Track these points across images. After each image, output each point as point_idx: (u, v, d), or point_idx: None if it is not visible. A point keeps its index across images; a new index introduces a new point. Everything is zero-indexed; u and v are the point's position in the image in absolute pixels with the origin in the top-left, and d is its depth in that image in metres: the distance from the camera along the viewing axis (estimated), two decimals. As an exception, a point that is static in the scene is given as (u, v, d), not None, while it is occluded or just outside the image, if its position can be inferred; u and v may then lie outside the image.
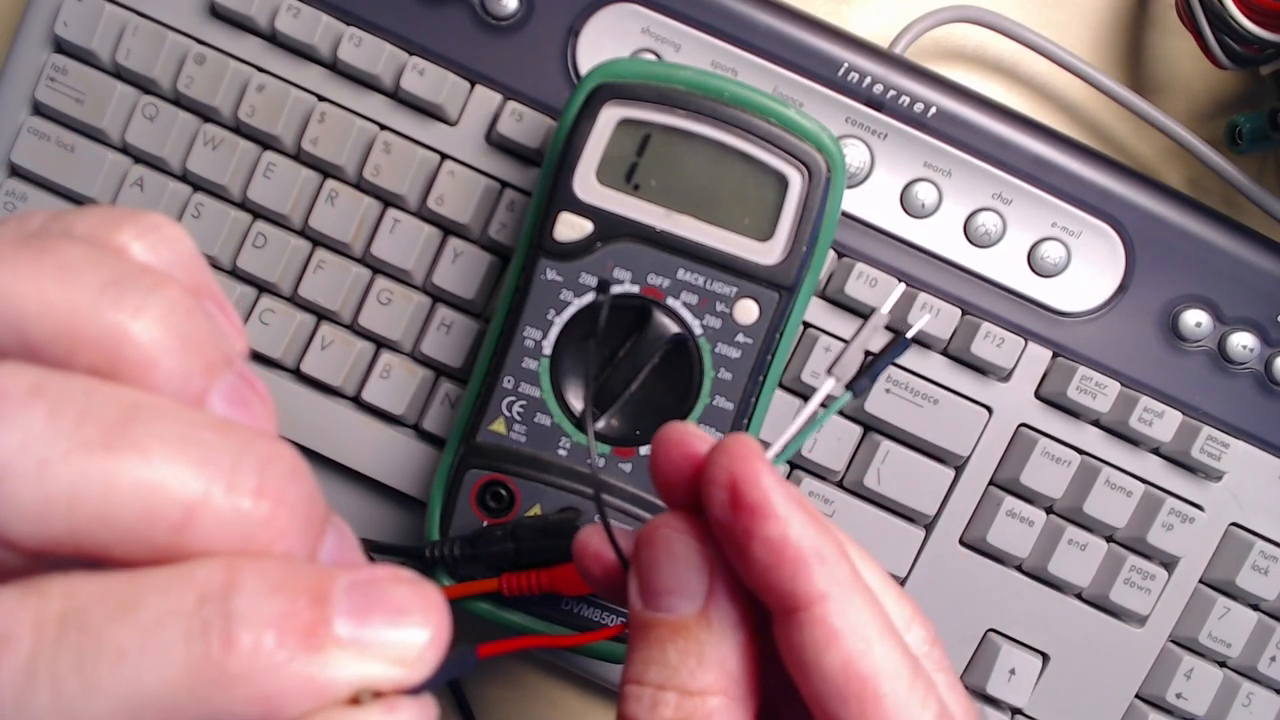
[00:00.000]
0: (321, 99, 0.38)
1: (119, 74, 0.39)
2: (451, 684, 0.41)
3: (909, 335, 0.24)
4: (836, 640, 0.20)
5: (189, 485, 0.16)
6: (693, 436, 0.23)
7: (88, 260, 0.17)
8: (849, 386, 0.23)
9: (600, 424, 0.34)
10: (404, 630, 0.17)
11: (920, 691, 0.21)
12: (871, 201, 0.38)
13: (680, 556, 0.22)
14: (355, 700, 0.16)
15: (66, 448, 0.16)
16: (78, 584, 0.16)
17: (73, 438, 0.16)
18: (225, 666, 0.15)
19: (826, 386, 0.23)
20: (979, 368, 0.38)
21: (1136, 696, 0.39)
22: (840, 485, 0.38)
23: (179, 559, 0.16)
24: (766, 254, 0.33)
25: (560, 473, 0.33)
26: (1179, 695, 0.38)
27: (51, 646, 0.15)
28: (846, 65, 0.37)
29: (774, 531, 0.21)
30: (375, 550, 0.36)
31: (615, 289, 0.33)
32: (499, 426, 0.34)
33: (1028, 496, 0.38)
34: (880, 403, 0.37)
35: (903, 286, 0.26)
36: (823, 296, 0.38)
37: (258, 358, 0.39)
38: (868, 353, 0.24)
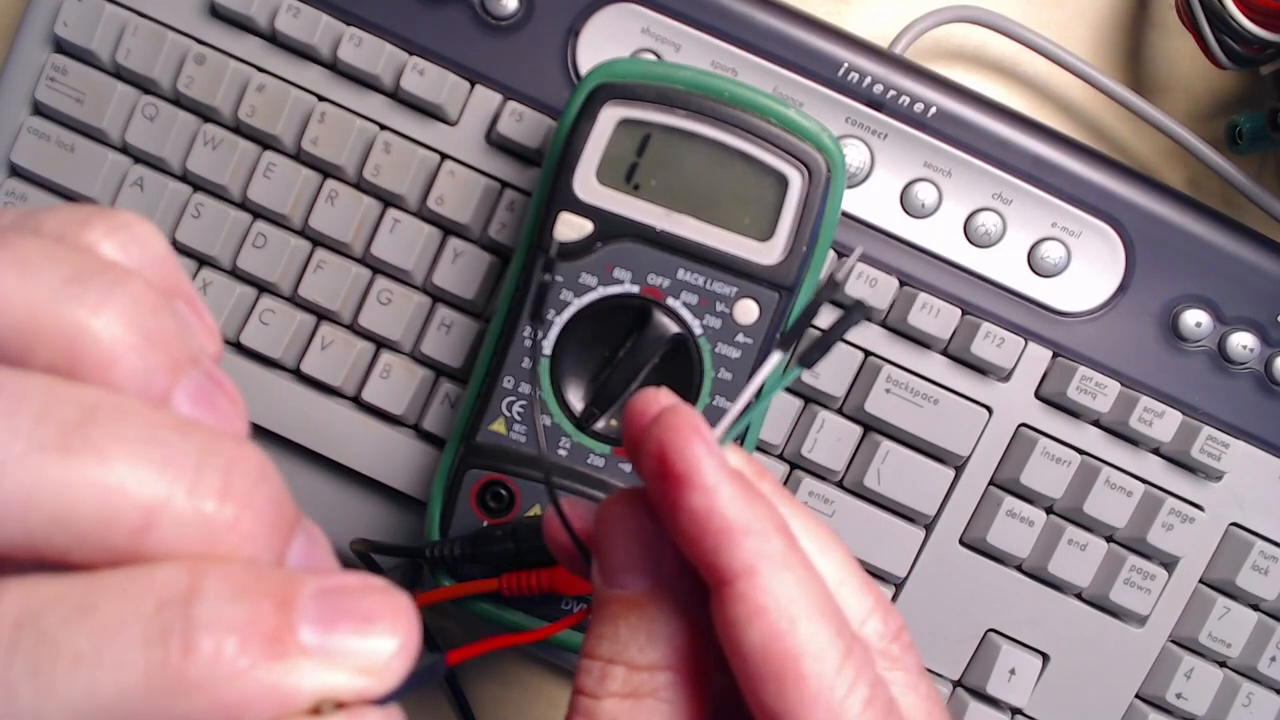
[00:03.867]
0: (321, 99, 0.38)
1: (119, 74, 0.39)
2: (450, 683, 0.41)
3: (865, 304, 0.24)
4: (759, 617, 0.20)
5: (149, 488, 0.16)
6: (652, 405, 0.22)
7: (48, 256, 0.17)
8: (801, 360, 0.23)
9: (600, 424, 0.34)
10: (371, 639, 0.16)
11: (849, 675, 0.20)
12: (871, 201, 0.38)
13: (631, 533, 0.22)
14: (317, 710, 0.16)
15: (23, 449, 0.15)
16: (35, 586, 0.15)
17: (29, 439, 0.15)
18: (184, 673, 0.15)
19: (773, 360, 0.23)
20: (979, 368, 0.38)
21: (1136, 696, 0.39)
22: (840, 485, 0.38)
23: (141, 564, 0.16)
24: (766, 254, 0.33)
25: (561, 473, 0.33)
26: (1179, 695, 0.38)
27: (5, 651, 0.15)
28: (846, 65, 0.38)
29: (699, 503, 0.20)
30: (375, 550, 0.36)
31: (612, 289, 0.33)
32: (499, 426, 0.34)
33: (1028, 496, 0.38)
34: (880, 403, 0.37)
35: (860, 250, 0.26)
36: (823, 296, 0.38)
37: (258, 358, 0.39)
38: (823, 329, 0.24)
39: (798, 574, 0.20)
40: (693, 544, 0.20)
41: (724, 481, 0.20)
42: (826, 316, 0.38)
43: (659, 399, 0.22)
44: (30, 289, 0.16)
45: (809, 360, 0.22)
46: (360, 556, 0.37)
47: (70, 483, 0.15)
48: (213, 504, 0.16)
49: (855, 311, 0.23)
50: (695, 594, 0.21)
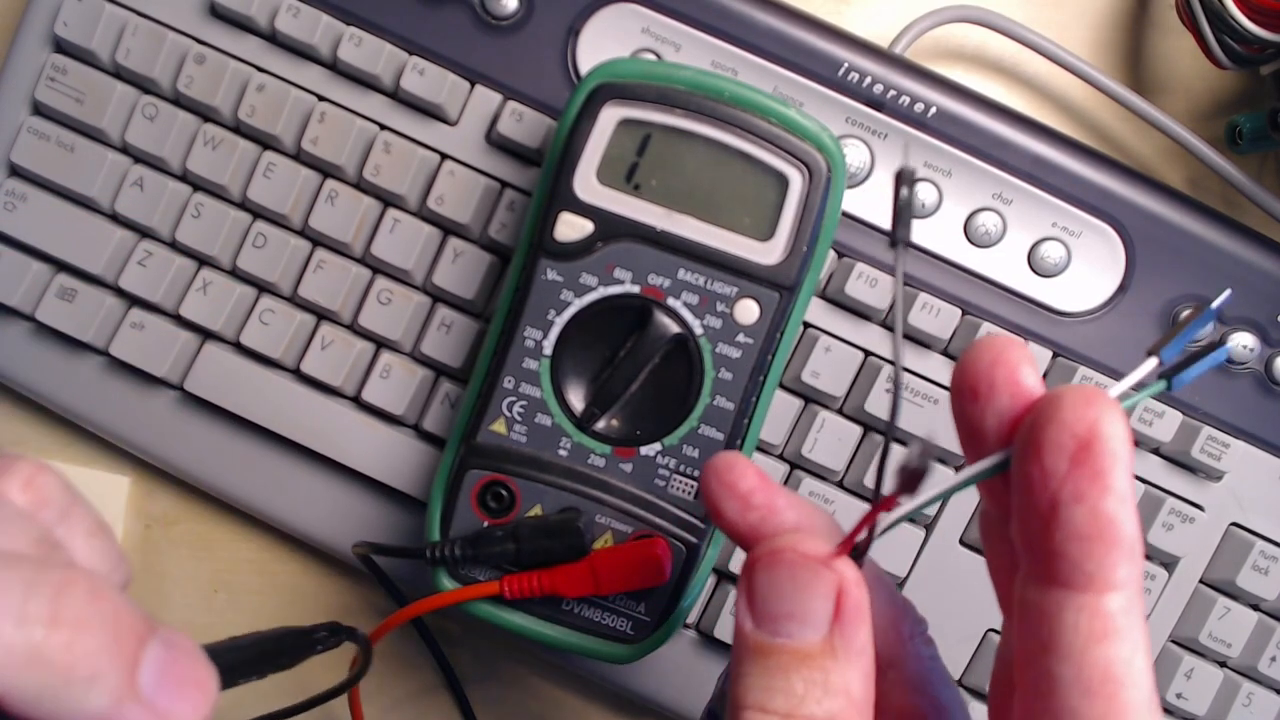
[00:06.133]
0: (321, 99, 0.38)
1: (119, 74, 0.39)
2: (454, 687, 0.41)
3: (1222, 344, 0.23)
4: (1111, 638, 0.20)
5: None
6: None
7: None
8: (1164, 376, 0.22)
9: (601, 424, 0.34)
10: None
11: (1155, 710, 0.20)
12: (872, 201, 0.38)
13: (806, 583, 0.21)
14: None
15: None
16: None
17: None
18: None
19: (1147, 366, 0.22)
20: (979, 368, 0.38)
21: (1136, 696, 0.39)
22: (840, 485, 0.38)
23: None
24: (767, 254, 0.33)
25: (561, 473, 0.33)
26: (1179, 695, 0.38)
27: None
28: (846, 65, 0.38)
29: (1108, 507, 0.20)
30: (377, 552, 0.36)
31: (612, 289, 0.33)
32: (499, 427, 0.34)
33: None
34: (880, 403, 0.37)
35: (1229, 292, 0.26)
36: (823, 296, 0.38)
37: (258, 357, 0.39)
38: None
39: (1141, 608, 0.21)
40: (1073, 539, 0.20)
41: (1130, 491, 0.20)
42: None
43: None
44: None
45: (1176, 382, 0.21)
46: (362, 559, 0.37)
47: None
48: (41, 631, 0.17)
49: (1218, 350, 0.21)
50: (867, 641, 0.21)
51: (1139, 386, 0.22)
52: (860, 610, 0.21)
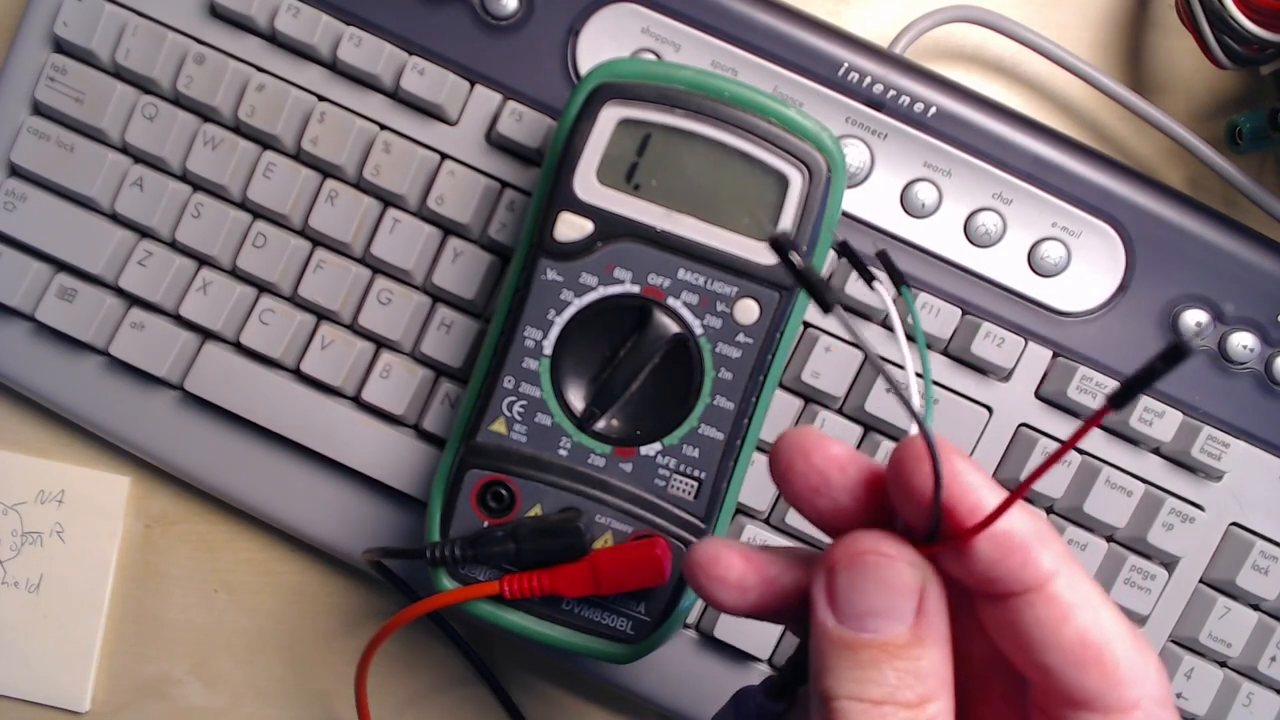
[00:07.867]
0: (321, 99, 0.38)
1: (119, 74, 0.39)
2: (494, 687, 0.41)
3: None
4: (1071, 614, 0.22)
5: None
6: (843, 449, 0.24)
7: None
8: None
9: (601, 424, 0.34)
10: None
11: (1142, 648, 0.22)
12: (871, 201, 0.38)
13: (889, 581, 0.22)
14: None
15: None
16: None
17: None
18: None
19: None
20: (979, 368, 0.38)
21: (1137, 696, 0.39)
22: (840, 485, 0.38)
23: None
24: (767, 254, 0.33)
25: (561, 473, 0.33)
26: (1179, 695, 0.38)
27: None
28: (846, 65, 0.38)
29: (1000, 527, 0.22)
30: (386, 555, 0.36)
31: (612, 289, 0.33)
32: (499, 426, 0.34)
33: (1028, 496, 0.38)
34: (880, 403, 0.37)
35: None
36: (823, 296, 0.38)
37: (258, 357, 0.39)
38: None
39: (1081, 568, 0.23)
40: (992, 565, 0.22)
41: (1013, 507, 0.22)
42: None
43: (830, 441, 0.24)
44: None
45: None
46: (373, 565, 0.37)
47: None
48: None
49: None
50: (947, 626, 0.23)
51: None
52: (940, 600, 0.23)
